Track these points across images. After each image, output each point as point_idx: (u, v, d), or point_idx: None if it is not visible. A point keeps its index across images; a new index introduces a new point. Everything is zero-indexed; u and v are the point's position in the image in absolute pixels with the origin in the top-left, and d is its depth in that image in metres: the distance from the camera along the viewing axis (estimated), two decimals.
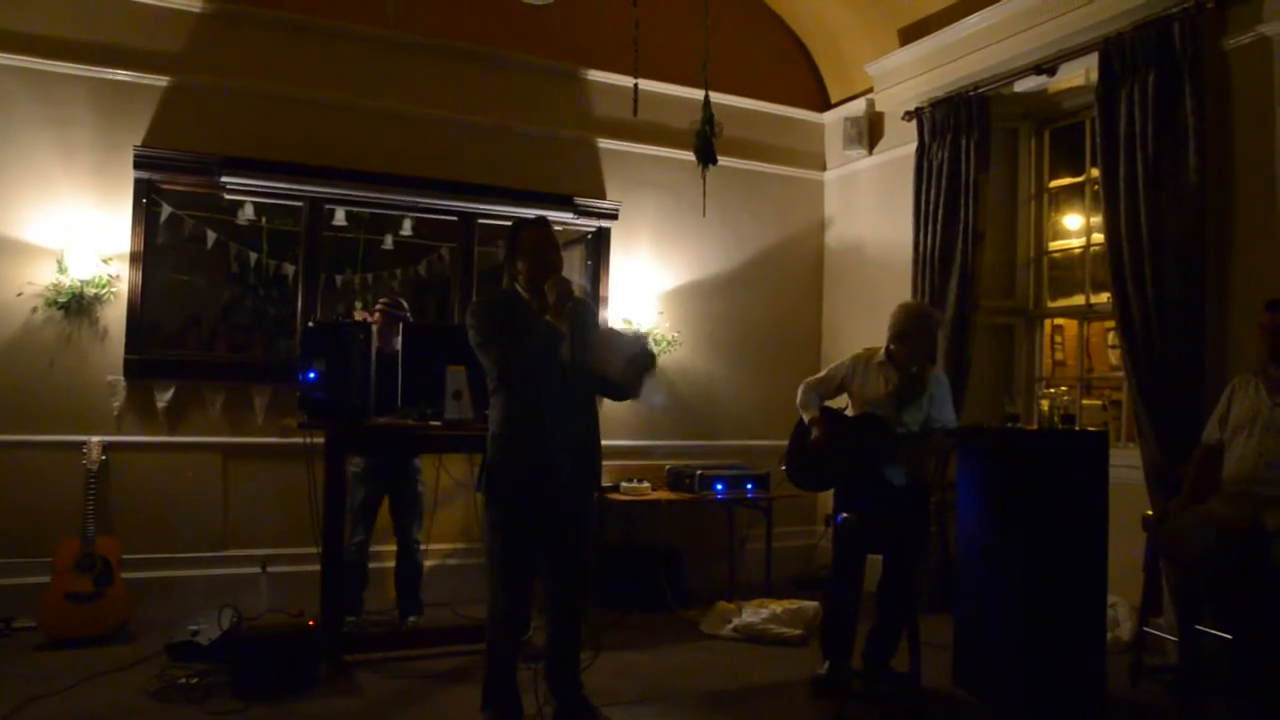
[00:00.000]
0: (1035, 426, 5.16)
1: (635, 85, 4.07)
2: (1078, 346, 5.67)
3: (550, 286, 3.39)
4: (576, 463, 3.46)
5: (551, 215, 5.90)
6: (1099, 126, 4.84)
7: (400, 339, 4.66)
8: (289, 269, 5.81)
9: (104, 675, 4.12)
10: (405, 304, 5.11)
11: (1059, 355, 6.05)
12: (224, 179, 5.22)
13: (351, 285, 6.91)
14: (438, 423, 4.40)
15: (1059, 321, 5.92)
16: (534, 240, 3.52)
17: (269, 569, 5.08)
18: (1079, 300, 5.60)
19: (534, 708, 3.59)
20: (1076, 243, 5.66)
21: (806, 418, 4.33)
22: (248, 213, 5.87)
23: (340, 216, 6.32)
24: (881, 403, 4.20)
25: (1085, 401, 5.62)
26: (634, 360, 3.45)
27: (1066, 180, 5.71)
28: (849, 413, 4.38)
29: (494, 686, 3.53)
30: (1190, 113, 4.47)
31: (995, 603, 4.12)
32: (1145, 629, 4.39)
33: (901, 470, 4.21)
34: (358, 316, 5.39)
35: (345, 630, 4.41)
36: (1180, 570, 4.19)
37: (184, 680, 4.00)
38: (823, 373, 4.46)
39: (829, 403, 4.42)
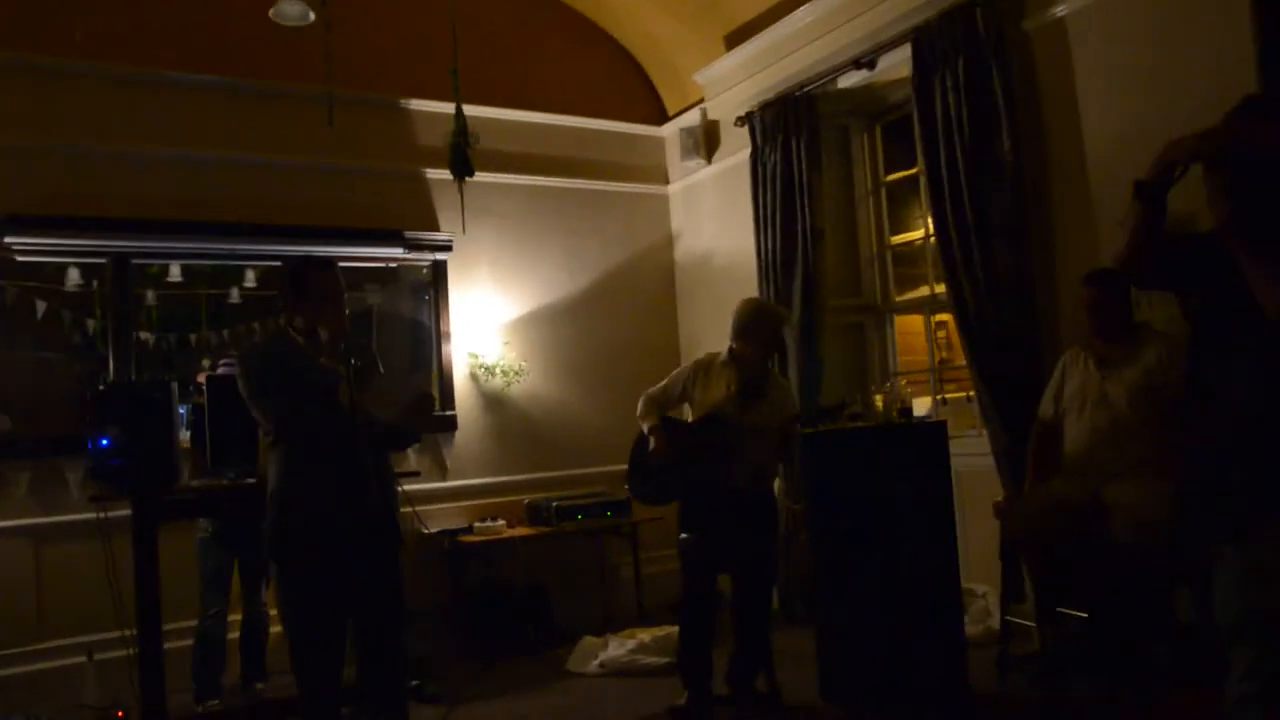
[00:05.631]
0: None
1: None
2: (926, 339, 5.63)
3: (324, 327, 3.16)
4: (368, 516, 3.19)
5: (381, 251, 5.83)
6: (917, 116, 4.83)
7: (208, 395, 4.34)
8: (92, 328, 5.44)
9: None
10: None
11: (918, 349, 6.01)
12: (7, 239, 4.84)
13: (206, 342, 6.56)
14: (253, 480, 4.10)
15: (915, 316, 5.89)
16: (319, 283, 3.27)
17: (96, 657, 4.67)
18: (925, 292, 5.56)
19: None
20: (916, 235, 5.63)
21: (645, 427, 4.16)
22: (74, 278, 5.50)
23: (176, 272, 5.98)
24: (725, 405, 4.05)
25: (953, 395, 5.59)
26: (413, 405, 3.24)
27: (902, 173, 5.69)
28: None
29: None
30: (1000, 96, 4.48)
31: (851, 608, 3.99)
32: (1008, 618, 4.30)
33: (747, 471, 4.03)
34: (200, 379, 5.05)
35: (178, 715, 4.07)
36: (1025, 553, 4.11)
37: None
38: (663, 383, 4.28)
39: (672, 414, 4.27)
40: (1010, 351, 4.47)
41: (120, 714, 3.84)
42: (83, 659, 4.67)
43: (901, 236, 5.76)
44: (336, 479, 3.08)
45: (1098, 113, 4.28)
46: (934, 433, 4.11)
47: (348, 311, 3.36)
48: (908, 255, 5.78)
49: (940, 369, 5.64)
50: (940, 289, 5.37)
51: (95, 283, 5.67)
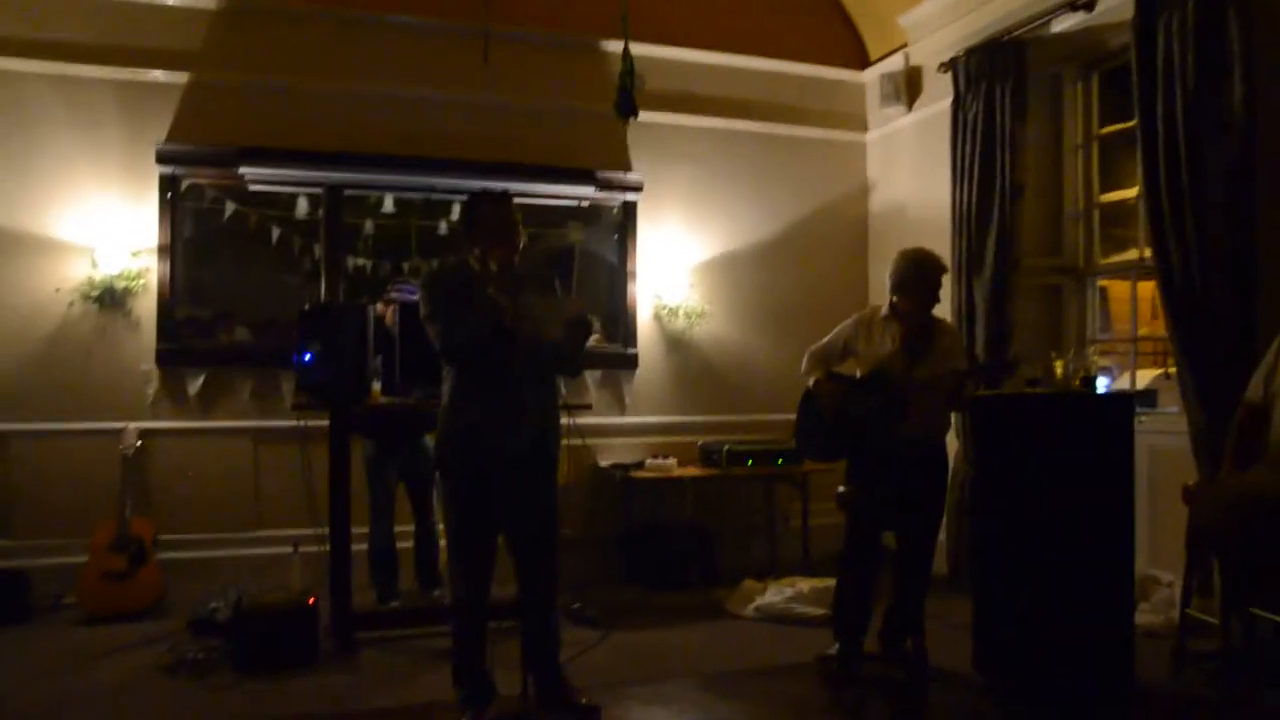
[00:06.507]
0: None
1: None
2: (1130, 305, 5.23)
3: (494, 257, 3.33)
4: (529, 441, 3.37)
5: (573, 189, 6.00)
6: (1135, 62, 4.44)
7: (399, 319, 4.66)
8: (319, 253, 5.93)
9: (125, 650, 4.31)
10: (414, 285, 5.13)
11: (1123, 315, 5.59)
12: (242, 169, 5.37)
13: (416, 270, 6.99)
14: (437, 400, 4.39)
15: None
16: (490, 214, 3.45)
17: (300, 549, 5.18)
18: (1133, 255, 5.15)
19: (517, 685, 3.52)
20: (1129, 193, 5.20)
21: (811, 382, 4.13)
22: (303, 207, 6.01)
23: (389, 204, 6.41)
24: (890, 360, 3.95)
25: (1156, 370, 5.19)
26: (573, 324, 3.35)
27: (1118, 126, 5.25)
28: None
29: (463, 665, 3.47)
30: (1235, 40, 4.05)
31: (1011, 581, 3.84)
32: (1187, 611, 4.01)
33: (915, 428, 3.92)
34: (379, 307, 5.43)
35: (356, 610, 4.46)
36: (1215, 545, 3.80)
37: (192, 655, 4.13)
38: (826, 338, 4.20)
39: (838, 369, 4.19)
40: (1220, 325, 4.11)
41: (311, 600, 4.24)
42: (289, 549, 5.20)
43: (1112, 195, 5.33)
44: (498, 401, 3.29)
45: None
46: (1118, 406, 3.86)
47: (523, 243, 3.52)
48: (1119, 215, 5.35)
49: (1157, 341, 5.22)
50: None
51: (321, 212, 6.19)
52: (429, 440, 4.97)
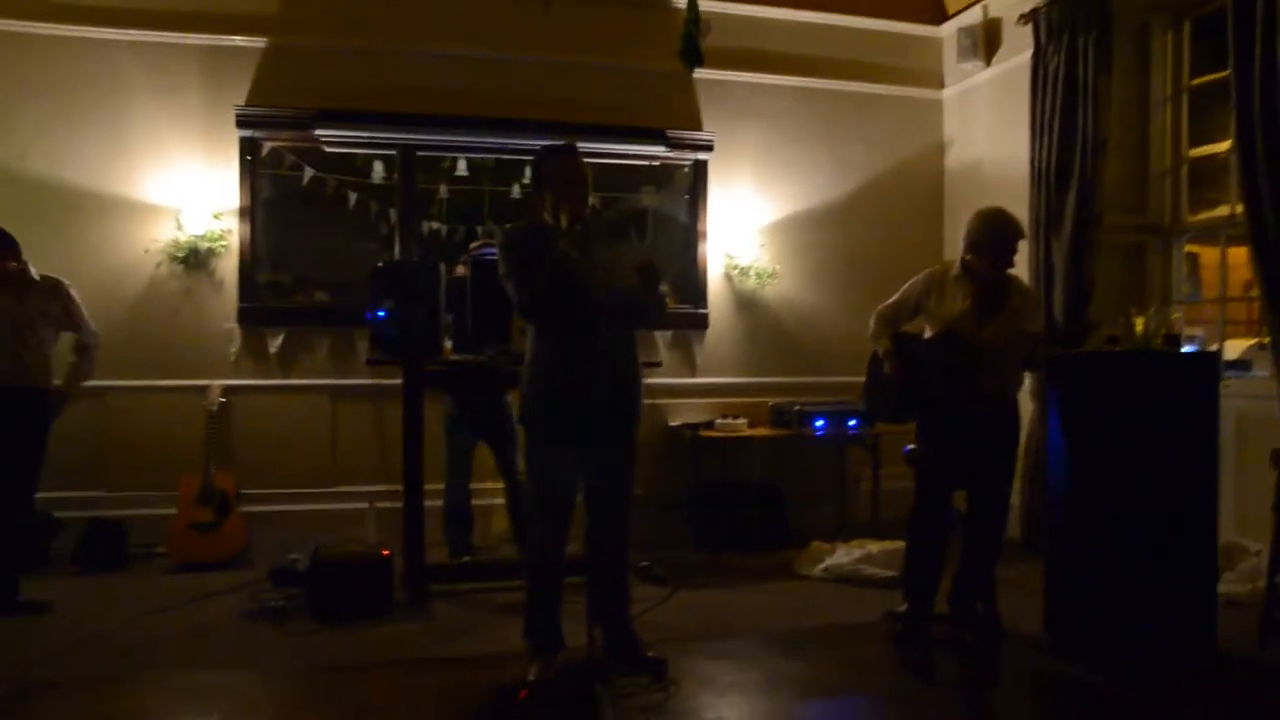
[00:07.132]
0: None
1: None
2: (1219, 264, 5.02)
3: (564, 211, 3.33)
4: (609, 395, 3.36)
5: (642, 149, 5.98)
6: (1231, 6, 4.24)
7: (471, 277, 4.71)
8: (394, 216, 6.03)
9: (211, 597, 4.48)
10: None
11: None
12: (317, 131, 5.47)
13: (490, 234, 7.06)
14: (508, 357, 4.43)
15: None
16: (558, 168, 3.45)
17: (376, 504, 5.31)
18: (1223, 212, 4.94)
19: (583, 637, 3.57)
20: (1221, 147, 4.98)
21: (880, 349, 4.07)
22: (379, 171, 6.12)
23: (463, 167, 6.47)
24: (961, 320, 3.87)
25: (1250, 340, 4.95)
26: (640, 271, 3.35)
27: (1210, 76, 5.02)
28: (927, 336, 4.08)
29: (536, 618, 3.51)
30: None
31: (1087, 544, 3.75)
32: (1276, 579, 3.86)
33: (986, 388, 3.85)
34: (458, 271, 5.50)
35: (429, 564, 4.56)
36: None
37: (273, 603, 4.29)
38: (895, 297, 4.12)
39: (907, 327, 4.12)
40: None
41: (386, 552, 4.36)
42: (365, 505, 5.33)
43: (1202, 150, 5.11)
44: (576, 356, 3.30)
45: None
46: (1203, 365, 3.72)
47: (594, 199, 3.51)
48: (1208, 175, 5.13)
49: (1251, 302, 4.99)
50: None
51: (395, 175, 6.28)
52: (509, 399, 5.04)
